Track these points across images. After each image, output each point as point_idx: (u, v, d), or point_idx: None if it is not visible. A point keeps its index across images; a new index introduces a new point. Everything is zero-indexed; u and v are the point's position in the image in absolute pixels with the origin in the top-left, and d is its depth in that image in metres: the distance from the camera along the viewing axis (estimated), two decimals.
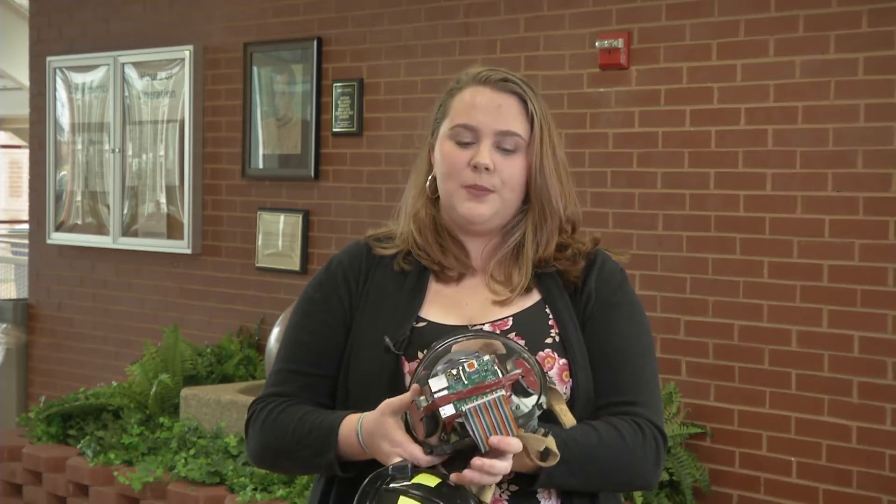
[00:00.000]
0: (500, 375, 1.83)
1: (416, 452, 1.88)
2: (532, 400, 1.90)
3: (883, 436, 4.44)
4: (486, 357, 1.85)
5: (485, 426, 1.82)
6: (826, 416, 4.57)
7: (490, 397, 1.82)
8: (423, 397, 1.86)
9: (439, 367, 1.87)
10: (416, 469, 1.86)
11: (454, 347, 1.94)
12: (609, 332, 2.09)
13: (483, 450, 1.84)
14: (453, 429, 1.85)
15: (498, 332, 2.05)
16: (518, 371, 1.87)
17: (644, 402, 2.07)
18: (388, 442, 1.90)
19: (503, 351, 1.94)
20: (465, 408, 1.82)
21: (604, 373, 2.07)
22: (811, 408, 4.60)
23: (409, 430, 1.91)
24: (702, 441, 4.85)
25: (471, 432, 1.82)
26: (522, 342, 2.03)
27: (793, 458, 4.64)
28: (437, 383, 1.83)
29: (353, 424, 1.99)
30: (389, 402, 1.92)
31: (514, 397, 1.89)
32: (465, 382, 1.82)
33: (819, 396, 4.58)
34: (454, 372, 1.83)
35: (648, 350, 2.13)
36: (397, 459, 1.88)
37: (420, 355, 2.00)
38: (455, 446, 1.86)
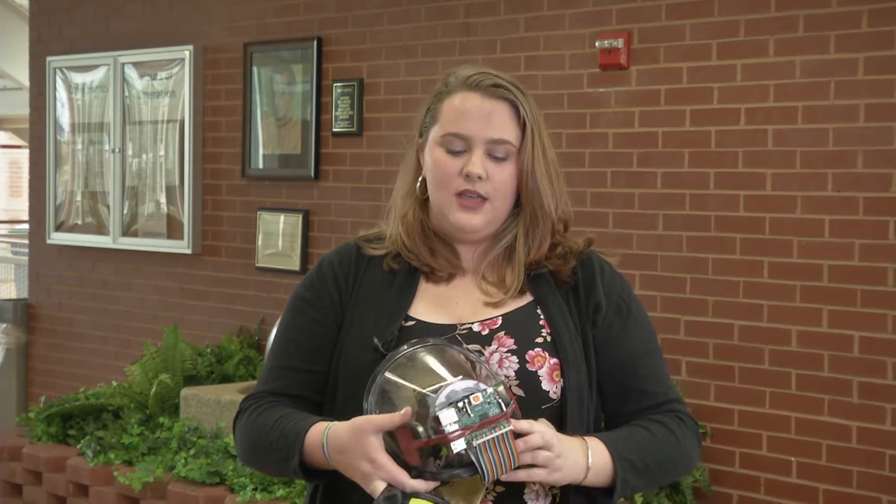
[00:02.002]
0: (504, 408, 1.85)
1: (404, 478, 1.85)
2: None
3: (883, 436, 4.44)
4: (490, 389, 1.85)
5: (492, 460, 1.83)
6: (826, 416, 4.57)
7: (499, 432, 1.84)
8: (416, 422, 1.84)
9: (442, 398, 1.85)
10: (406, 495, 1.85)
11: (421, 354, 1.94)
12: (627, 340, 2.10)
13: (486, 481, 1.85)
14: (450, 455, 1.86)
15: (487, 331, 2.05)
16: (513, 402, 1.88)
17: (673, 396, 2.12)
18: (369, 462, 1.86)
19: (465, 364, 1.94)
20: (476, 443, 1.83)
21: (630, 380, 2.08)
22: (811, 408, 4.60)
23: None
24: (702, 441, 4.85)
25: (478, 466, 1.83)
26: (512, 341, 2.03)
27: (793, 458, 4.64)
28: (447, 417, 1.83)
29: (318, 434, 1.96)
30: (372, 421, 1.88)
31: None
32: (472, 416, 1.83)
33: (819, 396, 4.58)
34: (460, 405, 1.84)
35: (658, 345, 2.16)
36: (380, 483, 1.85)
37: None
38: (454, 476, 1.87)
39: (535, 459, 1.89)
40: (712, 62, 4.83)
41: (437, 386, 1.87)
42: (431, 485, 1.86)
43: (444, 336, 2.01)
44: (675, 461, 2.08)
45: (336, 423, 1.95)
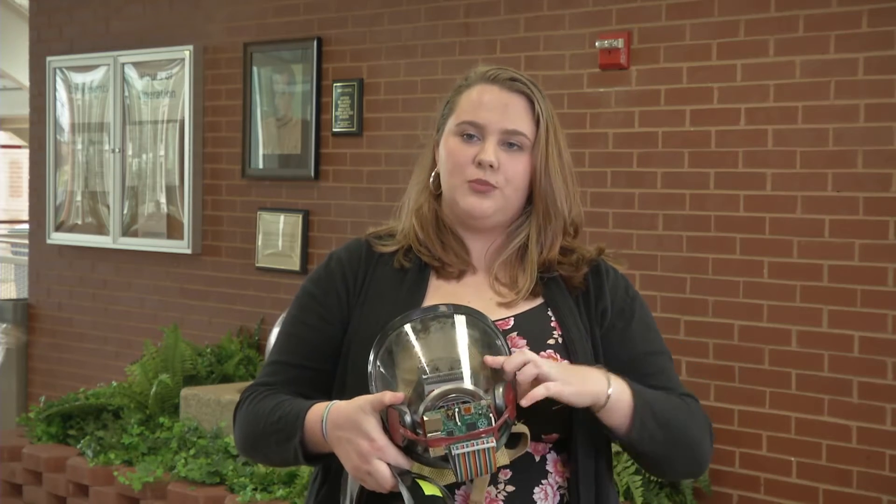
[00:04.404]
0: (493, 422, 1.84)
1: (400, 458, 1.86)
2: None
3: (883, 436, 4.44)
4: (483, 402, 1.84)
5: (468, 468, 1.83)
6: (826, 416, 4.57)
7: (480, 447, 1.83)
8: (405, 408, 1.84)
9: (435, 397, 1.84)
10: (414, 478, 1.86)
11: (437, 323, 1.93)
12: (630, 341, 2.11)
13: (460, 481, 1.85)
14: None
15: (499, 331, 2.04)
16: (506, 413, 1.86)
17: (683, 391, 2.12)
18: (367, 441, 1.87)
19: (483, 334, 1.93)
20: (455, 452, 1.83)
21: (636, 381, 2.07)
22: (811, 408, 4.60)
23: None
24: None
25: (453, 468, 1.84)
26: (524, 342, 2.03)
27: (793, 458, 4.64)
28: (432, 423, 1.82)
29: (320, 411, 1.96)
30: (371, 400, 1.88)
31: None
32: (459, 425, 1.83)
33: (819, 396, 4.58)
34: (449, 413, 1.83)
35: (665, 348, 2.17)
36: (380, 463, 1.85)
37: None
38: (435, 465, 1.87)
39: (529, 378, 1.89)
40: (712, 62, 4.83)
41: (445, 373, 1.86)
42: (411, 464, 1.88)
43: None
44: (689, 427, 2.05)
45: (339, 401, 1.95)
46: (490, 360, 1.88)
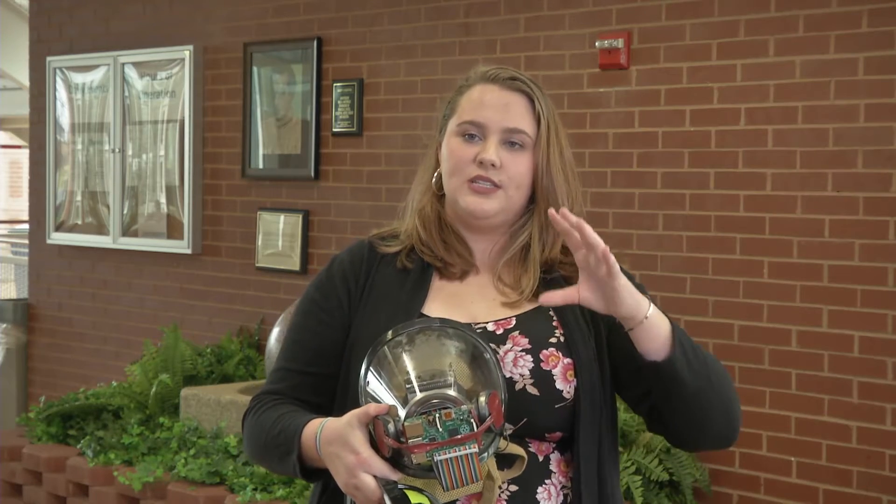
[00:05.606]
0: (475, 428, 1.83)
1: (386, 470, 1.86)
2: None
3: (883, 436, 4.44)
4: (464, 407, 1.84)
5: (452, 475, 1.83)
6: (826, 416, 4.57)
7: (462, 452, 1.83)
8: (388, 417, 1.84)
9: (414, 405, 1.85)
10: (401, 490, 1.87)
11: (423, 336, 1.93)
12: None
13: (445, 489, 1.85)
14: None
15: (501, 330, 2.05)
16: (490, 419, 1.85)
17: None
18: (353, 455, 1.86)
19: (469, 348, 1.93)
20: (437, 458, 1.83)
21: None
22: (811, 408, 4.60)
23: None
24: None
25: (437, 476, 1.84)
26: (526, 341, 2.03)
27: (793, 458, 4.65)
28: (413, 429, 1.82)
29: (314, 428, 1.97)
30: (357, 414, 1.88)
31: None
32: (440, 430, 1.82)
33: (819, 396, 4.58)
34: (430, 419, 1.83)
35: None
36: (366, 476, 1.85)
37: None
38: (422, 476, 1.87)
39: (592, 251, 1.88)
40: (712, 62, 4.83)
41: (428, 382, 1.87)
42: (399, 475, 1.87)
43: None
44: (719, 373, 2.04)
45: (333, 417, 1.96)
46: (552, 213, 1.89)
